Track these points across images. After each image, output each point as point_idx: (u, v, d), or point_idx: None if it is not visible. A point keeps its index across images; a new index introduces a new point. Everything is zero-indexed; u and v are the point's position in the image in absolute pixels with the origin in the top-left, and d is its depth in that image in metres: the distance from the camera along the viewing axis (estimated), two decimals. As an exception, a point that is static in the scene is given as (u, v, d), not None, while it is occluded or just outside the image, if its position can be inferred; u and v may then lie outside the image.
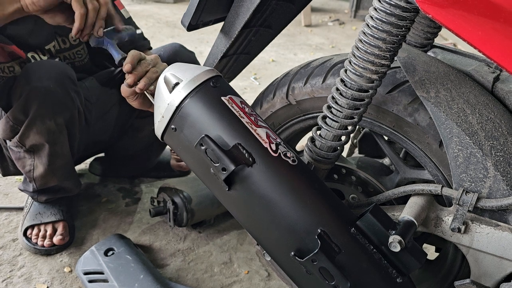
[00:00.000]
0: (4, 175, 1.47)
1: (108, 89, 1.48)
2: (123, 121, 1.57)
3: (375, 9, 0.70)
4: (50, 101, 1.18)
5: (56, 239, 1.36)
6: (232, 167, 0.71)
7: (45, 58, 1.34)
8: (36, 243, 1.36)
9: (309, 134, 0.90)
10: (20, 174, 1.38)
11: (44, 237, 1.37)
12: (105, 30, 1.00)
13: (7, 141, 1.28)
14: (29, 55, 1.31)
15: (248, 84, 2.82)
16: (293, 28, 4.36)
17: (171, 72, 0.80)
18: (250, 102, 1.15)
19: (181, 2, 5.17)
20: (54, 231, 1.38)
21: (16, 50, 1.27)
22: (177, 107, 0.77)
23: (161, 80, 0.80)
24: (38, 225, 1.39)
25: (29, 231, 1.39)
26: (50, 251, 1.35)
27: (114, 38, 1.00)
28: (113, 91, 1.48)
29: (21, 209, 1.49)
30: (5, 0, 0.96)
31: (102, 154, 1.76)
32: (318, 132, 0.85)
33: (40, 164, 1.29)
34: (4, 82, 1.22)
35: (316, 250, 0.70)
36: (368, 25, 0.72)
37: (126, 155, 1.66)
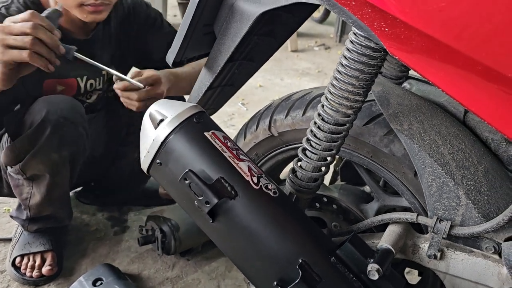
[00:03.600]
0: None
1: (95, 115, 1.51)
2: (111, 147, 1.60)
3: (348, 49, 0.75)
4: (59, 135, 1.22)
5: (44, 269, 1.36)
6: (215, 200, 0.74)
7: (100, 86, 1.43)
8: (25, 273, 1.36)
9: (291, 165, 0.93)
10: (13, 196, 1.39)
11: (32, 267, 1.37)
12: (62, 45, 1.03)
13: (8, 167, 1.31)
14: (89, 82, 1.39)
15: (235, 110, 2.86)
16: (280, 53, 4.43)
17: (156, 108, 0.83)
18: (238, 127, 1.19)
19: (170, 28, 5.23)
20: (43, 261, 1.39)
21: (70, 86, 1.34)
22: (162, 143, 0.80)
23: (146, 116, 0.84)
24: (27, 254, 1.39)
25: (17, 261, 1.39)
26: (38, 282, 1.35)
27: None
28: (99, 116, 1.52)
29: (9, 240, 1.49)
30: None
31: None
32: (299, 164, 0.89)
33: (38, 194, 1.31)
34: (16, 111, 1.26)
35: (297, 280, 0.72)
36: (342, 64, 0.76)
37: (112, 183, 1.68)
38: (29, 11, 0.99)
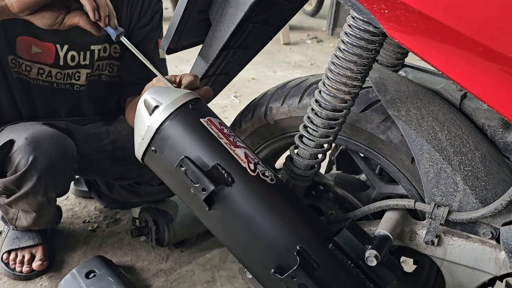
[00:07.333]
0: None
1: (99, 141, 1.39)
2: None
3: (346, 33, 0.74)
4: (46, 181, 1.16)
5: (35, 264, 1.34)
6: (211, 187, 0.73)
7: (85, 61, 1.29)
8: (15, 268, 1.34)
9: (288, 152, 0.92)
10: None
11: (22, 262, 1.35)
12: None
13: None
14: (70, 53, 1.25)
15: (228, 102, 2.85)
16: (272, 46, 4.43)
17: (151, 95, 0.81)
18: (231, 120, 1.18)
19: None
20: (33, 256, 1.36)
21: (47, 51, 1.22)
22: (157, 129, 0.78)
23: (141, 103, 0.82)
24: (16, 250, 1.37)
25: (6, 256, 1.37)
26: (30, 277, 1.33)
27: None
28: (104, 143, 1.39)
29: (0, 233, 1.47)
30: None
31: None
32: (296, 151, 0.88)
33: (24, 220, 1.30)
34: None
35: (295, 266, 0.71)
36: (340, 49, 0.75)
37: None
38: None
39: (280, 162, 1.41)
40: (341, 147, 1.21)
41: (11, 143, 1.15)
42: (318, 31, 5.42)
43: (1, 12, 0.91)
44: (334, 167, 1.26)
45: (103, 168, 1.40)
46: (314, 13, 6.22)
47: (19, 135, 1.15)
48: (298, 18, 5.96)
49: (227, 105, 2.80)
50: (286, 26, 4.57)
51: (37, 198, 1.20)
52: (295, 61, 4.05)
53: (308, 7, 6.27)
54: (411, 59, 0.99)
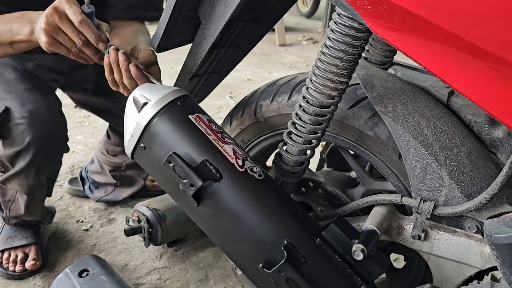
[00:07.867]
0: None
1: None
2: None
3: (332, 30, 0.75)
4: (39, 161, 1.20)
5: (28, 264, 1.35)
6: (199, 182, 0.74)
7: None
8: (8, 268, 1.35)
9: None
10: None
11: (15, 262, 1.35)
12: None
13: None
14: None
15: (223, 103, 2.86)
16: (268, 47, 4.44)
17: (140, 92, 0.82)
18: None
19: (156, 23, 5.20)
20: (26, 255, 1.37)
21: None
22: (146, 126, 0.79)
23: (130, 100, 0.83)
24: (9, 249, 1.37)
25: None
26: (22, 276, 1.34)
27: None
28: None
29: (-7, 233, 1.47)
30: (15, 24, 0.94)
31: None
32: (284, 148, 0.89)
33: (20, 203, 1.31)
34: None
35: (282, 261, 0.72)
36: (326, 45, 0.76)
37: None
38: (78, 15, 0.90)
39: (271, 160, 1.42)
40: (331, 145, 1.22)
41: (7, 111, 1.17)
42: (313, 32, 5.44)
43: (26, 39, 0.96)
44: (325, 164, 1.26)
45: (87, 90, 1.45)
46: (310, 14, 6.25)
47: (14, 103, 1.16)
48: (294, 20, 5.98)
49: (222, 105, 2.81)
50: (281, 27, 4.56)
51: (28, 180, 1.23)
52: (290, 62, 4.06)
53: (304, 8, 6.30)
54: (401, 57, 0.99)
